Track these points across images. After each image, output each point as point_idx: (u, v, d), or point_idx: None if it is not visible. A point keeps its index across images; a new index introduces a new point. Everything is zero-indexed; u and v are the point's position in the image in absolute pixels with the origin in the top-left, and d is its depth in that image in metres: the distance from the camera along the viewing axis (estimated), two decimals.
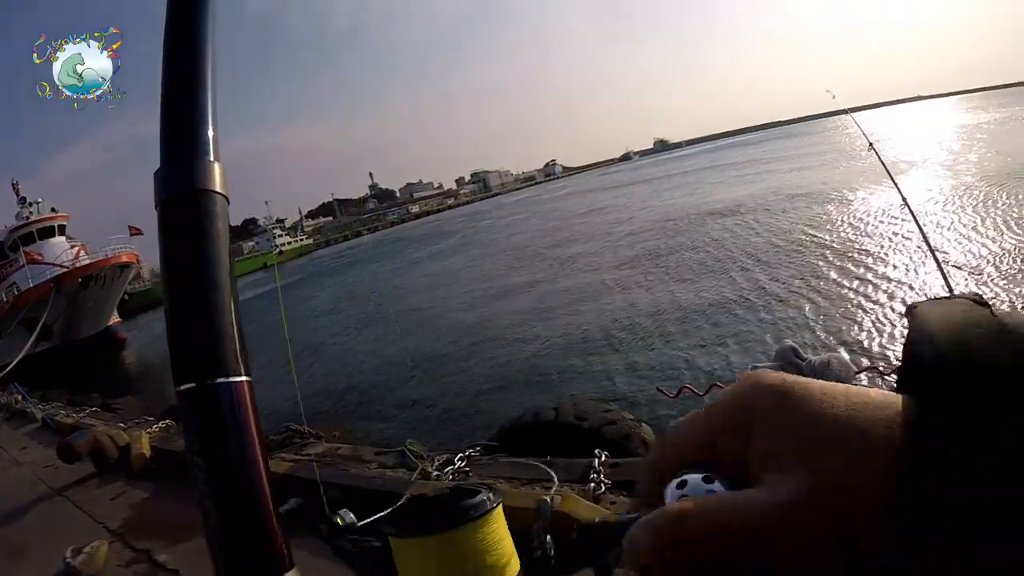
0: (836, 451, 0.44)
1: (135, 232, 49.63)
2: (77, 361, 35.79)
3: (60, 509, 6.85)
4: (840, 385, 0.49)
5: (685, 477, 0.51)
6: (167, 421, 9.17)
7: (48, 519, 6.67)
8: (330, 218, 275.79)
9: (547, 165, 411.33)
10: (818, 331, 13.30)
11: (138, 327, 55.74)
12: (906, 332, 0.49)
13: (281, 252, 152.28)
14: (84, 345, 42.25)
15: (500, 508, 1.46)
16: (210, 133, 1.08)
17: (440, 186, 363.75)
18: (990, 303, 0.49)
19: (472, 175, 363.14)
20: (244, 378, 0.97)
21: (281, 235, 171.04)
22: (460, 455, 5.33)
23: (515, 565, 1.42)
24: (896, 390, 0.47)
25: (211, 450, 0.95)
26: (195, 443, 0.95)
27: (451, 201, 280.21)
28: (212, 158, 1.06)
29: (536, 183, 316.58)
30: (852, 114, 5.94)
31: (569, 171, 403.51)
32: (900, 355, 0.48)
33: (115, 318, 49.67)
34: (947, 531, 0.39)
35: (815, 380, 0.50)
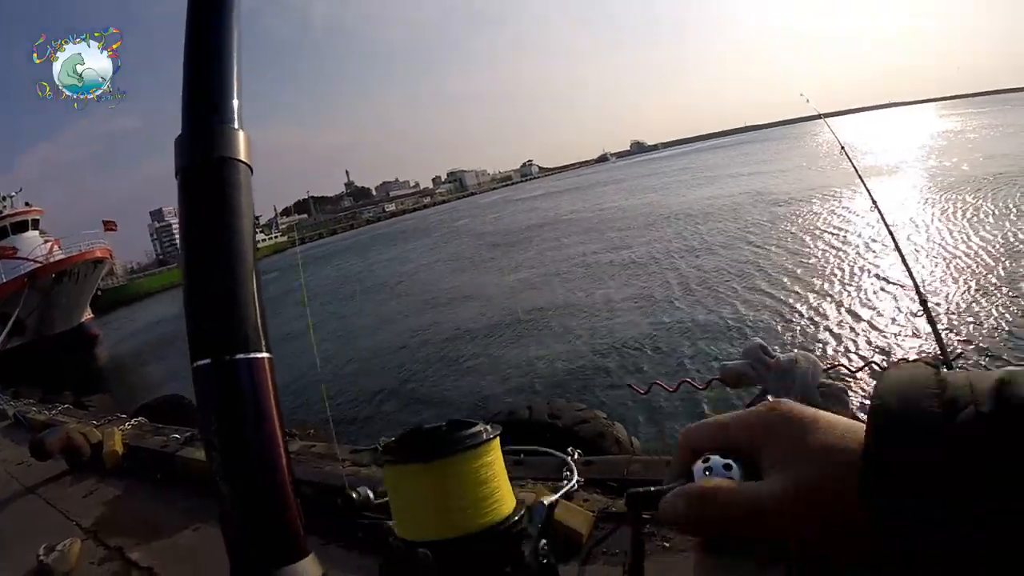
0: (819, 459, 0.61)
1: (109, 227, 49.07)
2: (50, 358, 35.32)
3: (33, 507, 6.79)
4: (833, 417, 0.65)
5: (710, 457, 0.69)
6: (140, 418, 9.07)
7: (21, 517, 6.61)
8: (305, 216, 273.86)
9: (524, 165, 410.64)
10: (785, 329, 13.41)
11: (111, 324, 55.20)
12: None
13: (257, 249, 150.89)
14: (57, 341, 41.65)
15: (497, 441, 1.43)
16: (235, 99, 1.05)
17: (416, 185, 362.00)
18: (938, 366, 0.62)
19: (449, 174, 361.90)
20: (265, 354, 0.95)
21: (256, 232, 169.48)
22: None
23: (510, 501, 1.39)
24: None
25: (228, 431, 0.92)
26: (211, 423, 0.91)
27: (427, 200, 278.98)
28: (236, 125, 1.03)
29: (512, 183, 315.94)
30: (826, 119, 5.99)
31: (546, 171, 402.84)
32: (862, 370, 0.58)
33: (88, 314, 49.07)
34: (886, 511, 0.54)
35: (818, 412, 0.66)
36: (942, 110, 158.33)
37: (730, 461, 0.68)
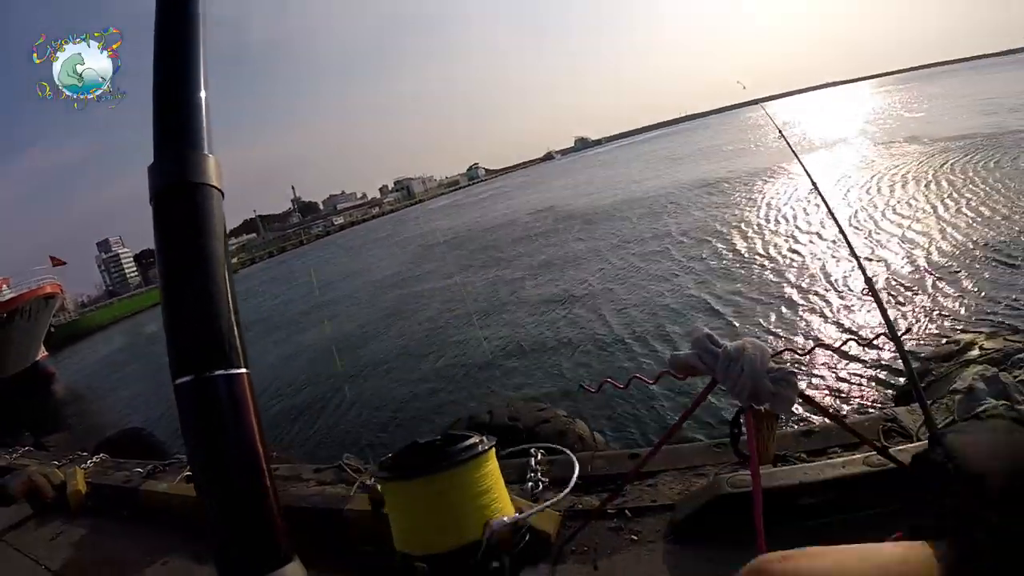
0: None
1: (57, 263, 48.45)
2: (6, 399, 34.68)
3: (0, 554, 6.69)
4: (849, 552, 0.49)
5: None
6: (101, 455, 8.97)
7: None
8: (253, 235, 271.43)
9: (470, 169, 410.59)
10: (731, 317, 13.54)
11: (66, 360, 54.29)
12: (933, 466, 0.49)
13: (231, 269, 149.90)
14: (13, 382, 40.92)
15: (492, 452, 1.45)
16: (204, 126, 1.08)
17: (364, 196, 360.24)
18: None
19: (395, 183, 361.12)
20: (243, 370, 0.98)
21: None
22: None
23: (509, 509, 1.41)
24: (913, 533, 0.46)
25: (210, 443, 0.95)
26: (193, 436, 0.95)
27: (376, 210, 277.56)
28: (206, 151, 1.06)
29: (460, 187, 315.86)
30: (762, 104, 6.08)
31: (492, 173, 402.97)
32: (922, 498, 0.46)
33: (42, 352, 48.24)
34: None
35: (823, 554, 0.49)
36: (875, 87, 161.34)
37: None
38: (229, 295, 1.01)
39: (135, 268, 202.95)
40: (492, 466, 1.44)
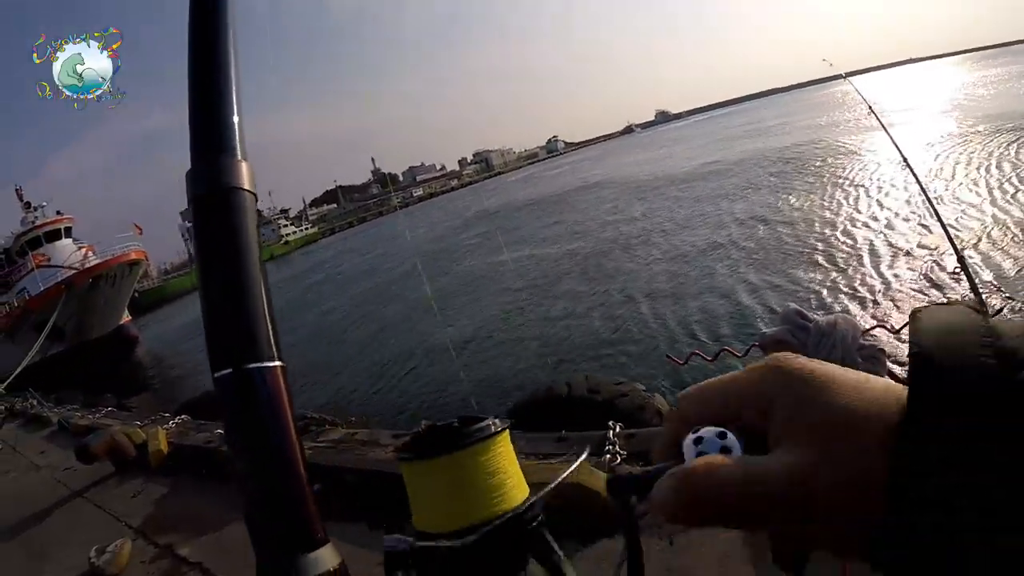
0: (843, 431, 0.50)
1: (138, 231, 49.74)
2: (90, 362, 35.80)
3: (81, 510, 6.90)
4: (852, 372, 0.54)
5: (701, 433, 0.57)
6: (183, 416, 9.20)
7: (70, 520, 6.71)
8: (334, 205, 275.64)
9: (549, 141, 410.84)
10: (823, 292, 13.23)
11: (149, 325, 55.88)
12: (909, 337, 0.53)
13: (288, 243, 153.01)
14: (97, 345, 42.41)
15: (506, 433, 1.46)
16: (237, 133, 1.14)
17: (443, 167, 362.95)
18: (985, 310, 0.53)
19: (474, 155, 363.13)
20: (277, 363, 1.03)
21: (286, 225, 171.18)
22: None
23: (523, 488, 1.41)
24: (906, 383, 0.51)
25: (247, 431, 1.02)
26: (232, 425, 1.01)
27: (454, 182, 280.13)
28: (240, 157, 1.13)
29: (538, 160, 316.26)
30: (850, 79, 5.94)
31: (571, 146, 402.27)
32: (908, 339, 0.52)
33: (126, 317, 49.70)
34: (928, 511, 0.44)
35: (831, 366, 0.55)
36: (961, 63, 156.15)
37: (725, 430, 0.56)
38: (263, 292, 1.06)
39: None
40: (504, 448, 1.44)
